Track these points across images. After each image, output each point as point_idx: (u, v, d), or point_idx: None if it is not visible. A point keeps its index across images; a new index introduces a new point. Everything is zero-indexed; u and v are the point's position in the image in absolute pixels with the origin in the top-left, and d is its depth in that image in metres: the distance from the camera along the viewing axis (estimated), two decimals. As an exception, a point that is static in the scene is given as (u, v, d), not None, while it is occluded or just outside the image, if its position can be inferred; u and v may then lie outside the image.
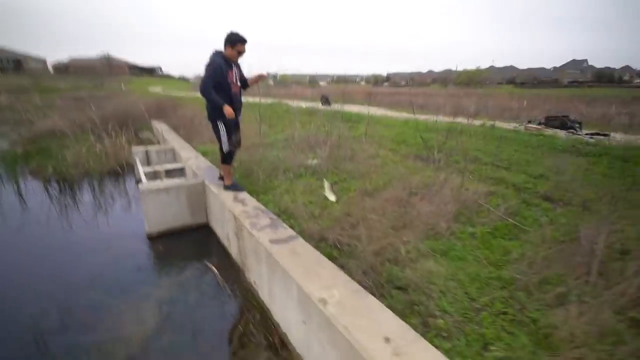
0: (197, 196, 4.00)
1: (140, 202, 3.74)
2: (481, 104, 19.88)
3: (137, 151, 5.80)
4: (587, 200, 2.93)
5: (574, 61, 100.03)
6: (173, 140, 6.67)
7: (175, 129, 8.37)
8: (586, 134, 5.67)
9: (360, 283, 1.97)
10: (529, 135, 5.80)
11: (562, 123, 6.48)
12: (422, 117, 9.44)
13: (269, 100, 15.60)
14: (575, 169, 3.77)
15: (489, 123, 7.12)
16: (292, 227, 2.81)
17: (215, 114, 3.21)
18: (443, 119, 8.87)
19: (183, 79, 72.78)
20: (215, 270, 3.16)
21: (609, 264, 2.02)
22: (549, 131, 6.22)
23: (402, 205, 3.01)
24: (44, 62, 62.46)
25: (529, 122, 7.42)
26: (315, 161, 4.45)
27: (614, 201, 2.62)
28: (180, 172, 5.25)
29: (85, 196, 5.53)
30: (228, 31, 3.10)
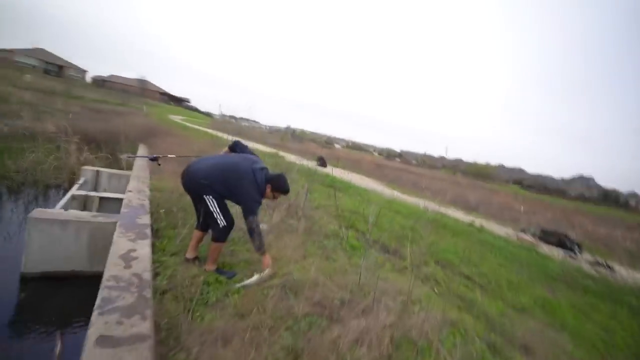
0: (103, 238, 3.25)
1: (25, 231, 3.01)
2: (484, 199, 19.57)
3: (87, 170, 5.23)
4: (578, 365, 2.10)
5: (581, 177, 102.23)
6: (137, 166, 6.12)
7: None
8: (587, 262, 4.90)
9: None
10: (520, 247, 5.06)
11: (560, 241, 5.76)
12: (414, 199, 8.85)
13: (272, 150, 15.44)
14: (569, 310, 2.96)
15: (478, 221, 6.45)
16: (162, 316, 2.02)
17: (204, 190, 2.69)
18: (436, 207, 8.28)
19: (208, 114, 76.06)
20: (59, 348, 2.30)
21: None
22: (544, 247, 5.47)
23: (328, 316, 2.22)
24: (84, 72, 66.51)
25: (523, 230, 6.71)
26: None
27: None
28: (119, 203, 4.58)
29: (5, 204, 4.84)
30: (278, 174, 2.80)
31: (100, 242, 3.25)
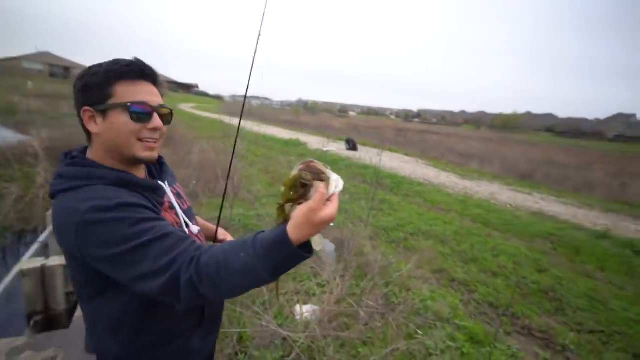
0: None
1: None
2: (525, 155, 17.33)
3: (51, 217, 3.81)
4: None
5: (620, 115, 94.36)
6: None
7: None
8: None
9: None
10: None
11: None
12: (480, 185, 7.04)
13: (291, 135, 13.71)
14: None
15: (600, 222, 4.64)
16: None
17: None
18: (519, 195, 6.47)
19: (218, 97, 74.59)
20: None
21: None
22: None
23: None
24: (89, 71, 65.74)
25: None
26: (302, 310, 2.23)
27: None
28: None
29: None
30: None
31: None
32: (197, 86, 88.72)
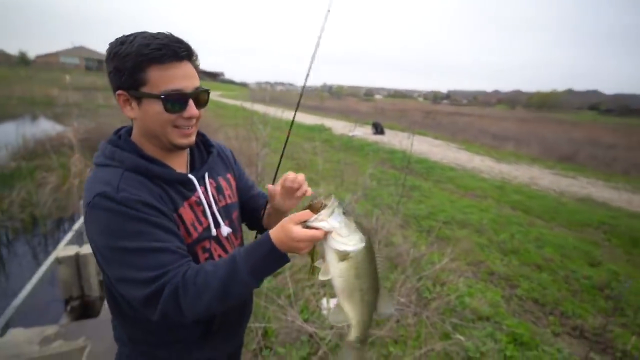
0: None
1: None
2: (565, 136, 16.21)
3: (87, 204, 3.93)
4: None
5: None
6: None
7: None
8: None
9: None
10: None
11: None
12: (519, 169, 6.57)
13: (315, 119, 13.52)
14: None
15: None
16: None
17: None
18: (538, 176, 5.99)
19: (243, 85, 75.32)
20: None
21: None
22: None
23: None
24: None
25: None
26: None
27: None
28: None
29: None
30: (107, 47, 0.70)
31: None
32: (222, 74, 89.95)
